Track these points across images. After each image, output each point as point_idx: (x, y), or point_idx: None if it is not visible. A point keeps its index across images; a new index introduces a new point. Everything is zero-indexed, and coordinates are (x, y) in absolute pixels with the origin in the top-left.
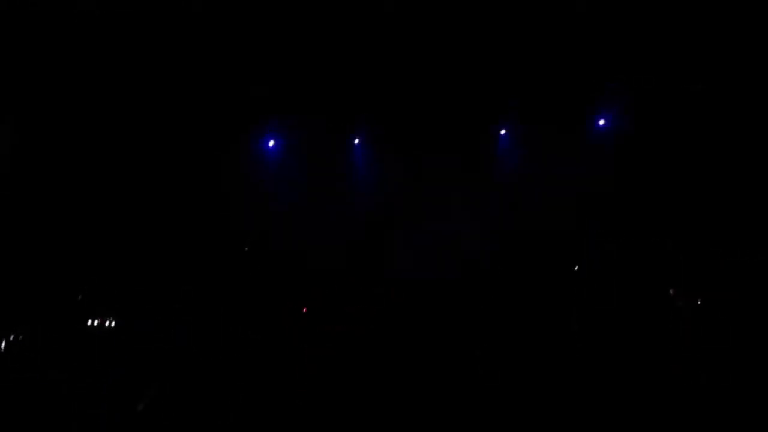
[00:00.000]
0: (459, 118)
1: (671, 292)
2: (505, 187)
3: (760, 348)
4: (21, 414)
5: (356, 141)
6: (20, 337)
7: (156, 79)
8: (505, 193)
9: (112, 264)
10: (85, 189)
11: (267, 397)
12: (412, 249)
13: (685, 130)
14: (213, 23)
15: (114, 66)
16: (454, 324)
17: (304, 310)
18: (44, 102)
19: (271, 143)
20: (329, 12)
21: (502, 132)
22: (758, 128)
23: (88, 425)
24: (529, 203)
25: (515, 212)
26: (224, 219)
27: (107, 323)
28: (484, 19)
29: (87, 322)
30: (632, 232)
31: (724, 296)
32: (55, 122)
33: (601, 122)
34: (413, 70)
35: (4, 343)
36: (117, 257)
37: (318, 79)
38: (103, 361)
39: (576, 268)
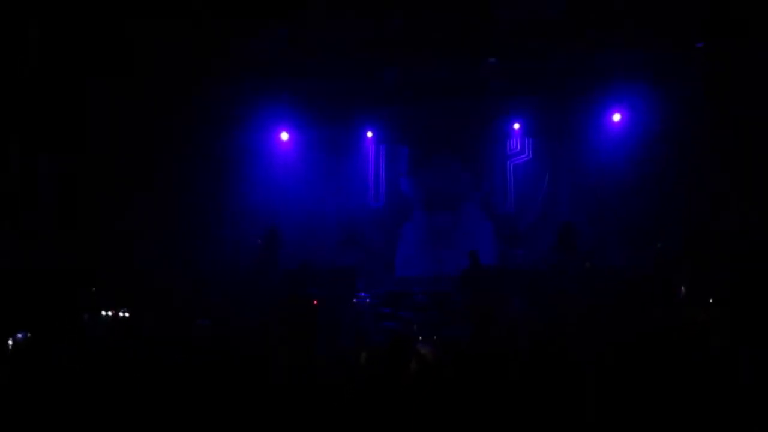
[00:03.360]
0: (470, 113)
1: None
2: (515, 185)
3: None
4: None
5: (369, 134)
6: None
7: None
8: (515, 191)
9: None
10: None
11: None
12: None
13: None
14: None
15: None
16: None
17: (315, 302)
18: None
19: (285, 136)
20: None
21: (516, 126)
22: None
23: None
24: (537, 201)
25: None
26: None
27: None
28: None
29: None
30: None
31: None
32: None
33: (617, 117)
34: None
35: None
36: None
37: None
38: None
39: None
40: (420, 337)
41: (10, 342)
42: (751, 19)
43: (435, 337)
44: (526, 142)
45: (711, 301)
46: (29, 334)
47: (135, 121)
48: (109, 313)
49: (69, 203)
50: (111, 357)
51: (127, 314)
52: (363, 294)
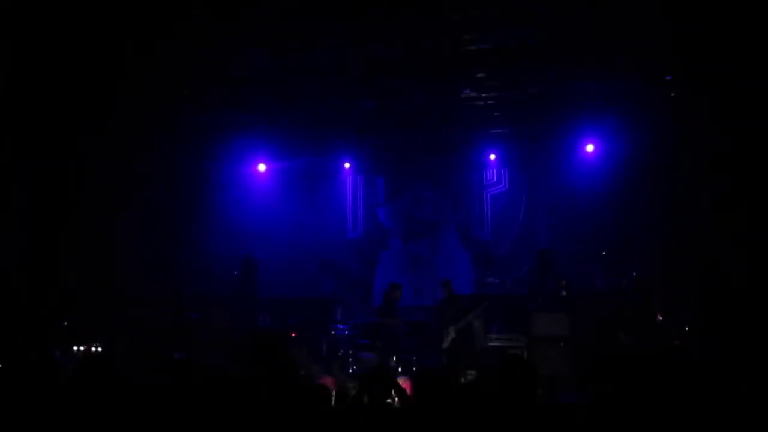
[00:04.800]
0: (447, 144)
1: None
2: (492, 215)
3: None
4: None
5: (347, 165)
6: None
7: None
8: (492, 221)
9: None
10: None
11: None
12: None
13: None
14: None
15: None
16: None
17: (293, 334)
18: None
19: (263, 167)
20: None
21: (492, 157)
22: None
23: None
24: (514, 230)
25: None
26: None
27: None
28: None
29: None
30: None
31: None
32: None
33: (590, 148)
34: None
35: None
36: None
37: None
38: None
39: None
40: (399, 369)
41: None
42: (720, 50)
43: (414, 368)
44: (503, 172)
45: (687, 328)
46: None
47: (109, 150)
48: (81, 348)
49: (37, 232)
50: (84, 396)
51: (100, 349)
52: (341, 326)
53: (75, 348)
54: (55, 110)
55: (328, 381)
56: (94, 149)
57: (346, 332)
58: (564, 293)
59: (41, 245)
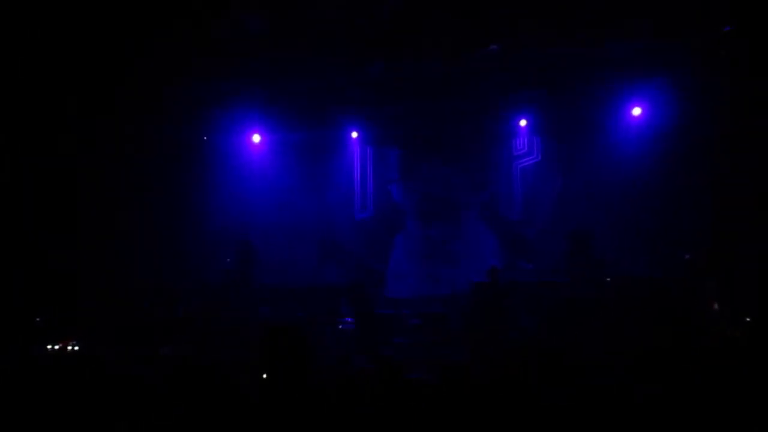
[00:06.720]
0: (470, 110)
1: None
2: (523, 190)
3: None
4: None
5: (354, 135)
6: None
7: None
8: (523, 197)
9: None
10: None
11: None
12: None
13: None
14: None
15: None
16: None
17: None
18: None
19: (257, 138)
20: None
21: (523, 123)
22: None
23: None
24: (547, 207)
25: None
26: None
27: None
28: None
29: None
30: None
31: None
32: None
33: (637, 111)
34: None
35: None
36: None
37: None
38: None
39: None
40: (414, 364)
41: None
42: None
43: (430, 363)
44: (534, 141)
45: (748, 318)
46: None
47: (96, 124)
48: (56, 347)
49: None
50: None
51: (77, 347)
52: (349, 318)
53: (49, 347)
54: (41, 93)
55: None
56: (85, 140)
57: (354, 326)
58: (607, 279)
59: (15, 240)
